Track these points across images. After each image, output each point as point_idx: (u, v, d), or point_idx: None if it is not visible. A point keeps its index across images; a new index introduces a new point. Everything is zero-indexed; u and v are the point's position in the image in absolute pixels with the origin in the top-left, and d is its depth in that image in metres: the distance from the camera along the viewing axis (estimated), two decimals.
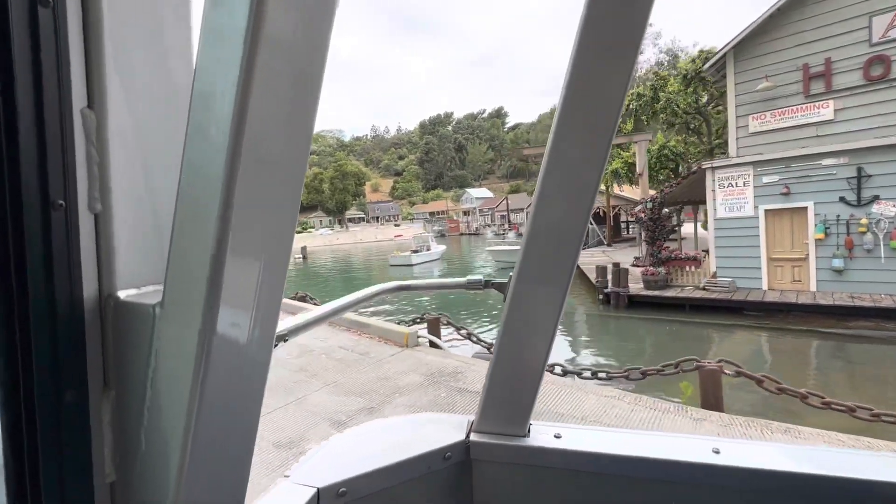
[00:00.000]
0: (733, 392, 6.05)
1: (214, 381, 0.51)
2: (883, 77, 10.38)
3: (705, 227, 20.90)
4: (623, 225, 35.87)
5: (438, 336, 7.55)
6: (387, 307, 16.13)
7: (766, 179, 11.89)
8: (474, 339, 7.26)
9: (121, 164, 0.59)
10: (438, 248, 36.18)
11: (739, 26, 12.26)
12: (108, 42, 0.57)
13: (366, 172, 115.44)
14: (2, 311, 0.51)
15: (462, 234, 74.98)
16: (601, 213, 29.87)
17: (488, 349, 6.93)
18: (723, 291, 12.30)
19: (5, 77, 0.49)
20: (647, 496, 0.94)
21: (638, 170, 19.92)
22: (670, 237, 16.05)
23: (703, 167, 12.98)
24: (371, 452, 1.00)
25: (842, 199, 10.91)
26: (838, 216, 10.96)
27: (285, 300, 9.72)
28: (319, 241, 66.81)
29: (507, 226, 66.93)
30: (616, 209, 30.99)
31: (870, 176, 10.57)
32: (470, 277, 1.15)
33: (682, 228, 21.62)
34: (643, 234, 15.57)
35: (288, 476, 0.93)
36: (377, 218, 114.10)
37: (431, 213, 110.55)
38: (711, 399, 4.44)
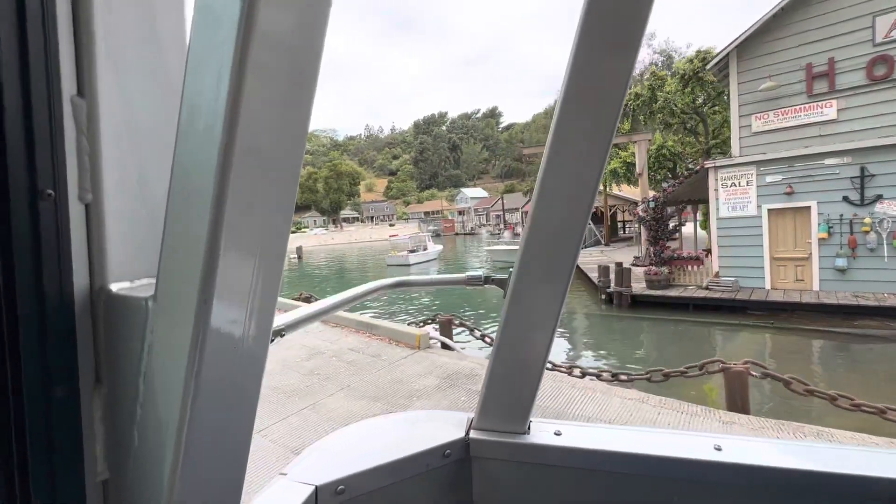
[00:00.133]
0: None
1: (209, 376, 0.49)
2: (886, 77, 10.43)
3: (703, 227, 21.05)
4: (619, 224, 36.00)
5: (450, 337, 7.43)
6: (390, 308, 16.01)
7: (769, 179, 11.91)
8: (489, 340, 7.15)
9: (112, 153, 0.57)
10: (435, 248, 36.08)
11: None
12: (98, 28, 0.55)
13: (360, 172, 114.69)
14: None
15: (457, 234, 75.06)
16: (598, 213, 29.93)
17: None
18: (726, 291, 12.31)
19: None
20: (648, 493, 0.93)
21: (638, 169, 19.94)
22: (673, 236, 16.07)
23: (707, 166, 12.99)
24: (370, 450, 0.99)
25: (845, 199, 10.95)
26: (841, 216, 11.01)
27: (288, 301, 9.57)
28: (314, 240, 66.40)
29: (502, 225, 67.04)
30: (613, 209, 31.08)
31: (873, 175, 10.62)
32: (469, 273, 1.13)
33: (681, 228, 21.70)
34: (646, 234, 15.56)
35: (285, 474, 0.91)
36: (372, 218, 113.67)
37: (426, 213, 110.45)
38: (738, 401, 4.37)
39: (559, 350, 10.59)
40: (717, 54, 13.18)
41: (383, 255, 36.45)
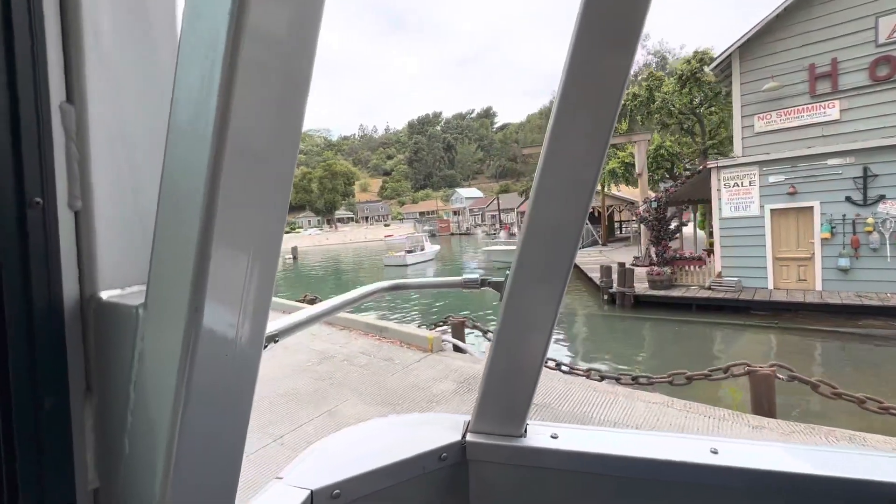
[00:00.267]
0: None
1: (200, 383, 0.49)
2: (889, 77, 10.49)
3: (701, 227, 21.13)
4: (616, 224, 36.09)
5: (463, 339, 7.33)
6: (389, 309, 15.88)
7: (771, 179, 11.94)
8: None
9: (102, 160, 0.56)
10: (433, 248, 35.96)
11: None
12: (87, 33, 0.54)
13: (355, 172, 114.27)
14: None
15: (452, 234, 74.91)
16: (596, 213, 29.99)
17: None
18: (729, 291, 12.33)
19: None
20: (644, 497, 0.93)
21: (637, 170, 19.97)
22: (675, 237, 16.09)
23: (709, 167, 13.00)
24: (366, 453, 0.99)
25: (848, 199, 11.00)
26: (844, 216, 11.05)
27: (292, 303, 9.42)
28: (308, 241, 66.05)
29: (497, 226, 67.06)
30: (610, 209, 31.15)
31: (876, 175, 10.67)
32: (466, 276, 1.12)
33: (681, 228, 21.77)
34: (648, 234, 15.56)
35: (281, 478, 0.91)
36: (366, 218, 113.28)
37: (421, 213, 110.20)
38: (764, 405, 4.32)
39: (569, 352, 10.54)
40: (720, 55, 13.19)
41: (379, 256, 36.29)
